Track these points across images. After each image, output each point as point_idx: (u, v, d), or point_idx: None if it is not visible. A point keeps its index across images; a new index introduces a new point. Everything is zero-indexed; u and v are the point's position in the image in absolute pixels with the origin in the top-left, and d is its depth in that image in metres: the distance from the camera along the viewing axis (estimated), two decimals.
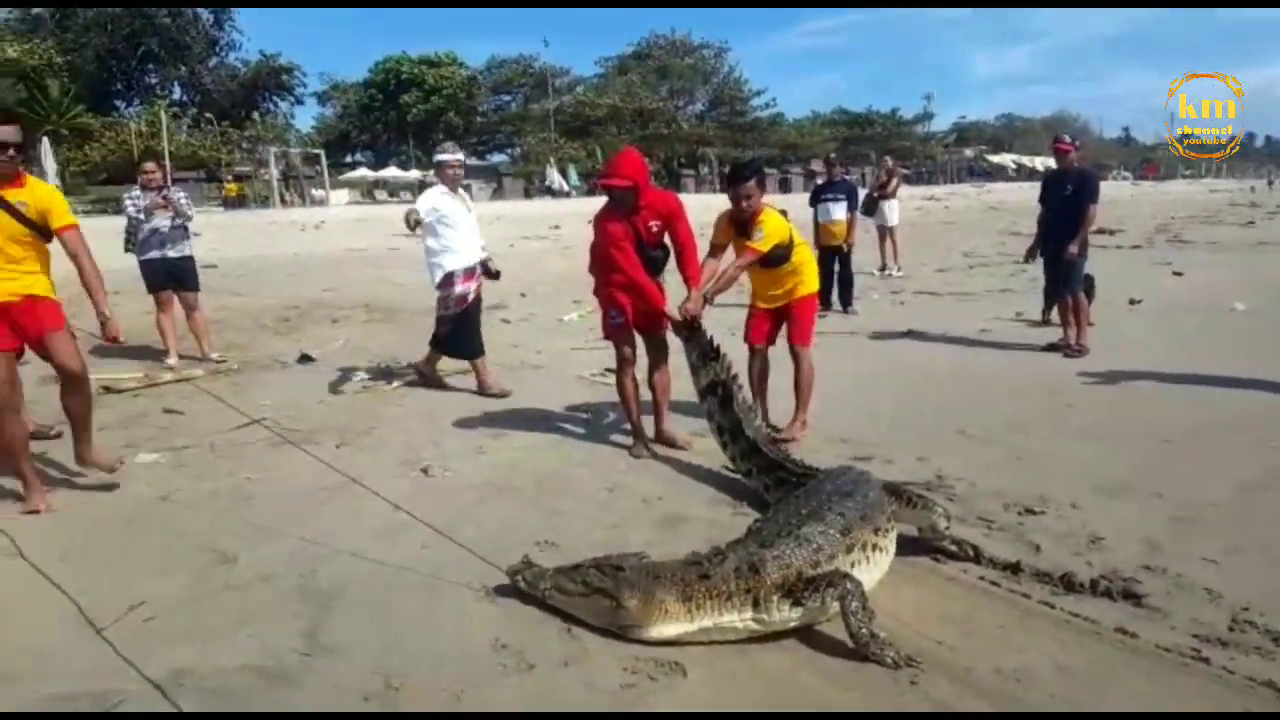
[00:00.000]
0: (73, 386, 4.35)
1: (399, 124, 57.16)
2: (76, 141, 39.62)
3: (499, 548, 3.51)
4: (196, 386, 6.88)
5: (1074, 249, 7.44)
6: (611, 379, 6.45)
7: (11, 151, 4.09)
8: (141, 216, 7.64)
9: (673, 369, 5.24)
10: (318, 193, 41.77)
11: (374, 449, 5.23)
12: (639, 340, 5.14)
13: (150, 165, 8.10)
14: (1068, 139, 8.01)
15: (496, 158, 64.34)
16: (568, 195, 45.09)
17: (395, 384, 6.99)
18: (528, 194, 47.87)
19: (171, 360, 7.72)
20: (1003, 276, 13.08)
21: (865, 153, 63.17)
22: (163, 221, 7.72)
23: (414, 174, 43.15)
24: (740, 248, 5.02)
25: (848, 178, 11.13)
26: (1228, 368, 6.46)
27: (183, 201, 7.84)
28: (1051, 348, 7.68)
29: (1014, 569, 3.32)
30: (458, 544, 3.63)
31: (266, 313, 11.04)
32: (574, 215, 28.42)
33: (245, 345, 8.93)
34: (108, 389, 6.61)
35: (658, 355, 5.18)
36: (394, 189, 47.28)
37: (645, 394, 5.20)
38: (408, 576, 3.39)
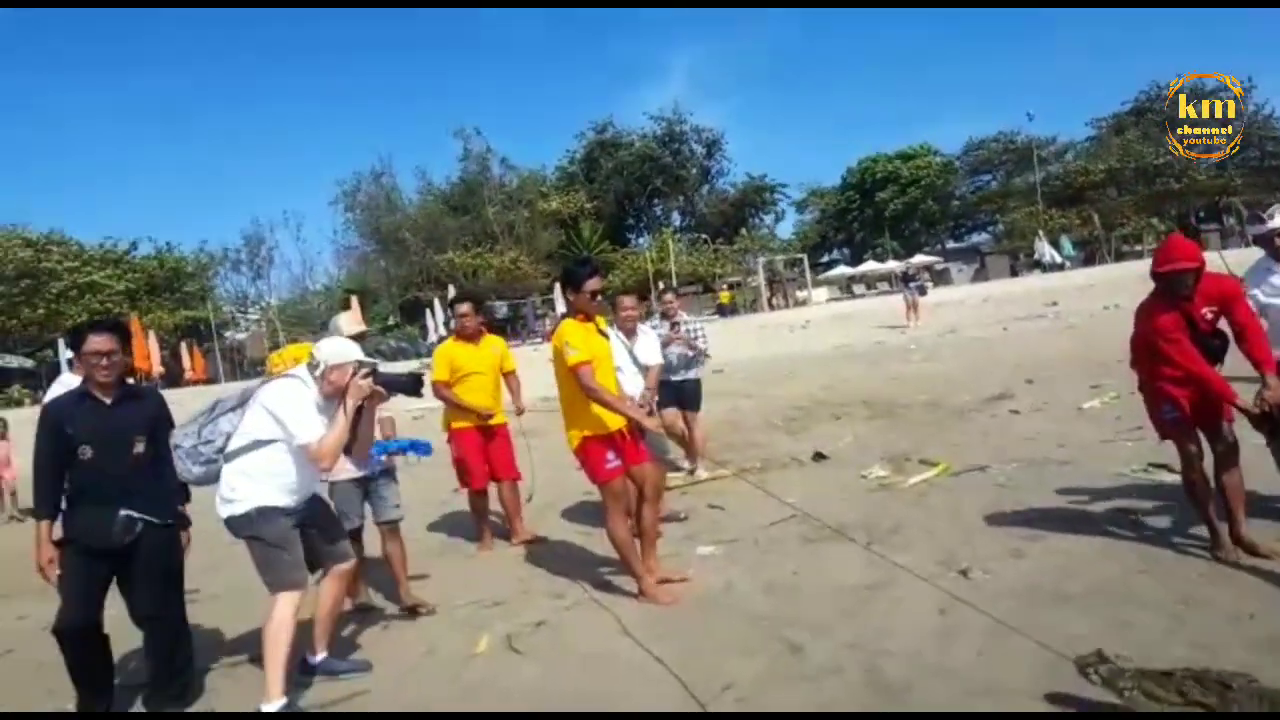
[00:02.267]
0: (654, 502, 5.20)
1: (875, 220, 58.84)
2: (603, 272, 47.54)
3: (1056, 657, 3.37)
4: (744, 479, 7.66)
5: None
6: (1158, 474, 5.91)
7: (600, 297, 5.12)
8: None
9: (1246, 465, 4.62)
10: (800, 293, 44.35)
11: (904, 547, 5.36)
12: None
13: (669, 297, 8.55)
14: None
15: (977, 238, 62.55)
16: (1061, 268, 41.92)
17: (912, 480, 7.12)
18: (1014, 271, 45.52)
19: (688, 465, 8.42)
20: None
21: None
22: (676, 349, 8.07)
23: (891, 265, 43.75)
24: None
25: None
26: None
27: (698, 334, 8.20)
28: None
29: None
30: (1032, 639, 3.55)
31: (774, 412, 11.94)
32: (1072, 290, 26.43)
33: (762, 444, 9.74)
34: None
35: (1225, 451, 4.61)
36: (871, 281, 48.31)
37: None
38: (970, 680, 3.44)
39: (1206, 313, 4.50)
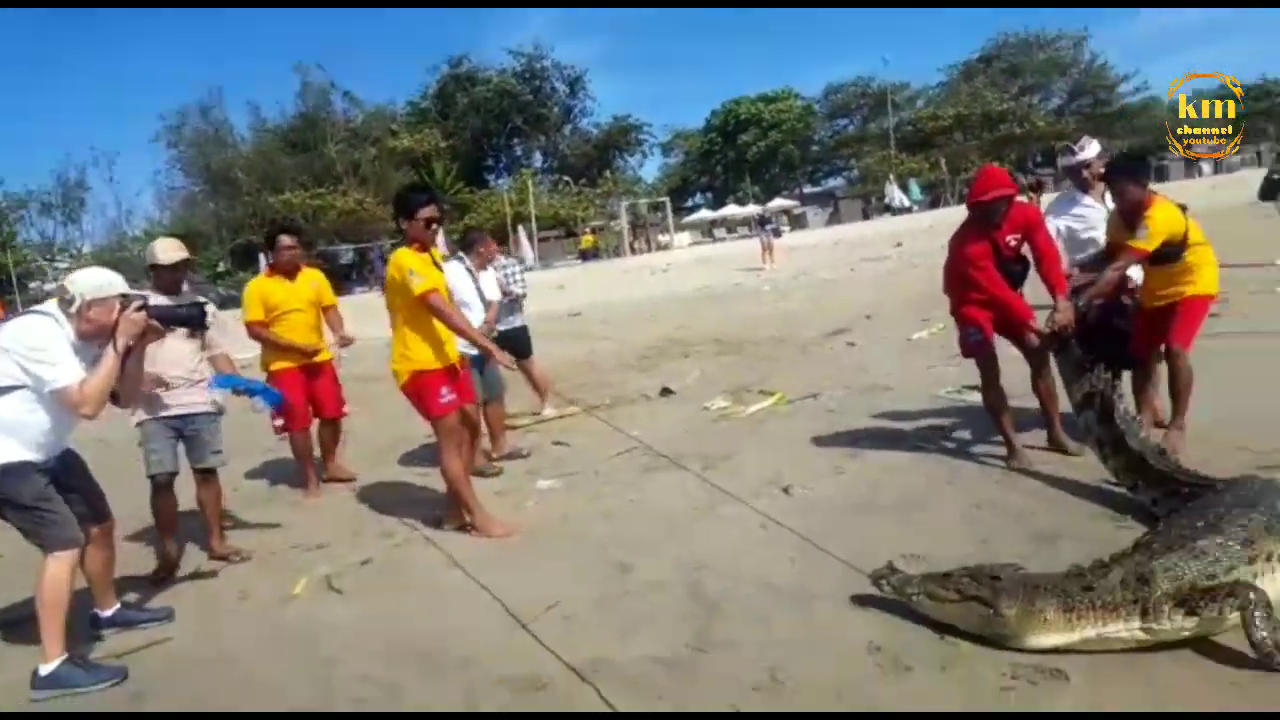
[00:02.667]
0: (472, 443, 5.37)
1: (738, 163, 59.54)
2: (457, 214, 45.90)
3: (863, 561, 3.60)
4: (592, 415, 7.70)
5: None
6: (971, 395, 6.32)
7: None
8: None
9: None
10: (663, 237, 44.68)
11: (735, 471, 5.56)
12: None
13: (485, 241, 7.35)
14: None
15: (832, 182, 64.46)
16: (909, 211, 43.84)
17: (750, 410, 7.36)
18: (865, 214, 47.31)
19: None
20: None
21: (1261, 128, 54.19)
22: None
23: (751, 209, 44.61)
24: (1123, 246, 4.73)
25: None
26: None
27: (514, 278, 7.68)
28: None
29: None
30: (830, 554, 3.80)
31: (629, 352, 12.06)
32: (917, 231, 27.72)
33: (614, 383, 9.83)
34: (510, 426, 7.62)
35: (1038, 361, 4.99)
36: (732, 225, 49.19)
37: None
38: (781, 586, 3.63)
39: (1011, 239, 4.84)
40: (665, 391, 8.73)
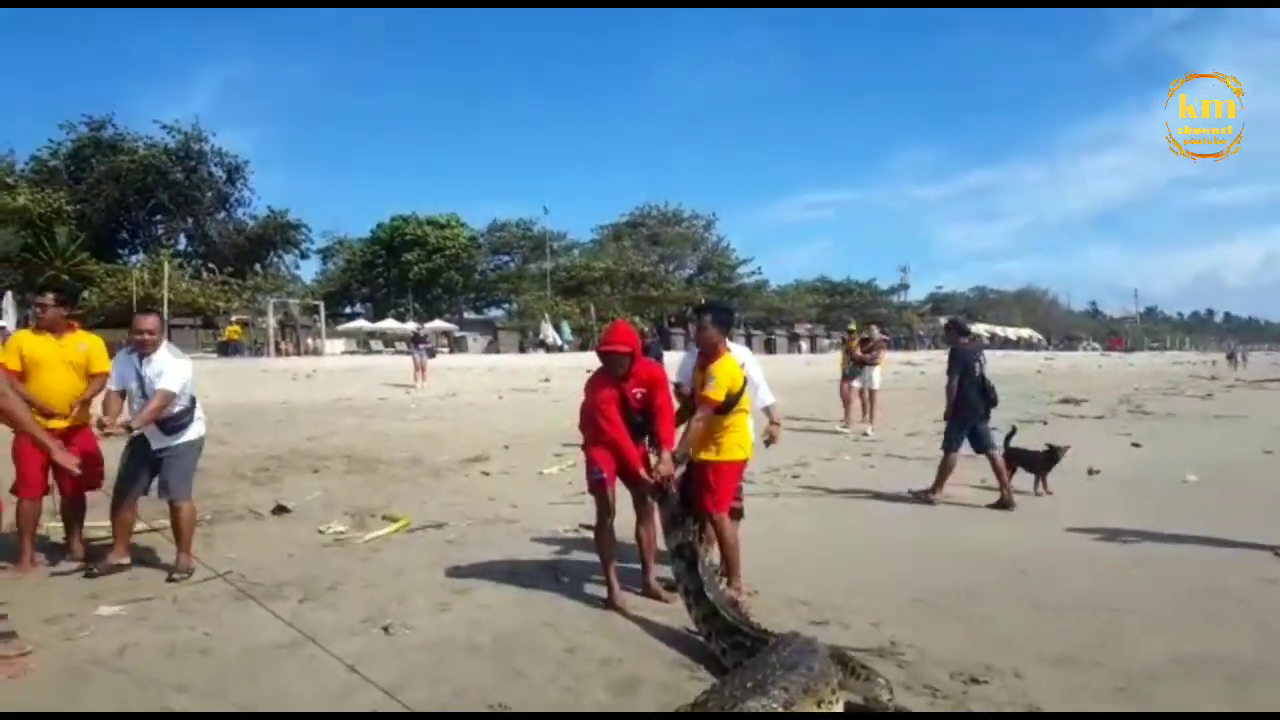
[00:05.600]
0: None
1: (400, 280, 58.74)
2: (78, 286, 40.06)
3: (449, 710, 3.48)
4: (165, 537, 6.80)
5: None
6: (588, 534, 6.56)
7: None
8: None
9: None
10: (313, 341, 42.45)
11: (337, 604, 5.21)
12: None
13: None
14: (945, 320, 8.79)
15: (493, 312, 66.14)
16: (561, 350, 45.94)
17: (368, 536, 7.02)
18: (522, 348, 48.76)
19: None
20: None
21: (844, 319, 66.12)
22: None
23: (410, 326, 44.01)
24: (701, 397, 5.15)
25: None
26: (1175, 538, 6.77)
27: None
28: (996, 505, 8.17)
29: None
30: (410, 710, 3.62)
31: (247, 461, 11.10)
32: (565, 369, 29.06)
33: (220, 495, 8.92)
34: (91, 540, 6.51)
35: (644, 509, 5.27)
36: (390, 339, 48.15)
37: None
38: None
39: (637, 392, 5.17)
40: (279, 509, 8.08)
